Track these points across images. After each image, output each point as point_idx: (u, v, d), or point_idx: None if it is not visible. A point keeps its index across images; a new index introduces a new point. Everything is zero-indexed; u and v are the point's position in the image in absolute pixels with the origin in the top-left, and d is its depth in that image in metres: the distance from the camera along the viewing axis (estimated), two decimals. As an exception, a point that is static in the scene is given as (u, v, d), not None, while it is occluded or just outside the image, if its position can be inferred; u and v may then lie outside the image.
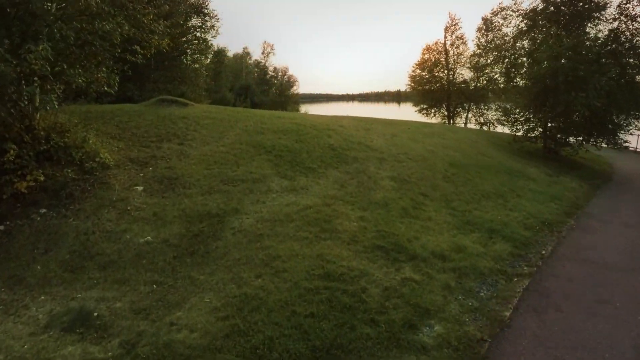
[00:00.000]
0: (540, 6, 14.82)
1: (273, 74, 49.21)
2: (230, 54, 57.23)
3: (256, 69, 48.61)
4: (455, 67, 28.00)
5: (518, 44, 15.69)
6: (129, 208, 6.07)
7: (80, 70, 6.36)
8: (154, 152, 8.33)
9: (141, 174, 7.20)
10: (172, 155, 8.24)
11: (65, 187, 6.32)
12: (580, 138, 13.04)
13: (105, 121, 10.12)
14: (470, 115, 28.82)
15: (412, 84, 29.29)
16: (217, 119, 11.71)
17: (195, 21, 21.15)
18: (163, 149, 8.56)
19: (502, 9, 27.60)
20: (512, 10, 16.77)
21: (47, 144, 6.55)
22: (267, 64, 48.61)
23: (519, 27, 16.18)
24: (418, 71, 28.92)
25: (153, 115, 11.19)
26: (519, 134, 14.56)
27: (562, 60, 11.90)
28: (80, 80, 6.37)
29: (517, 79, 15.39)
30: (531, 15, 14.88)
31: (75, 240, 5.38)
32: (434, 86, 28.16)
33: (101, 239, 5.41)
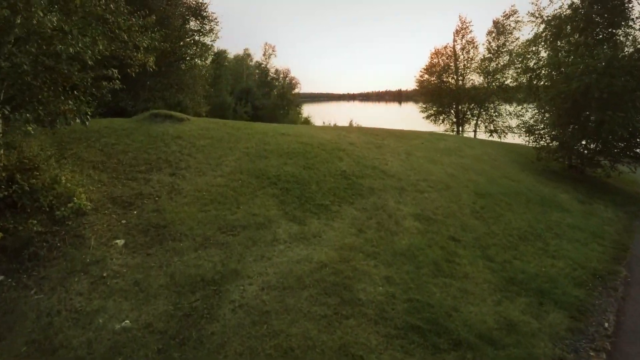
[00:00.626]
0: (567, 12, 13.64)
1: (274, 75, 47.90)
2: (230, 55, 56.04)
3: (257, 70, 47.35)
4: (465, 72, 26.83)
5: (542, 54, 14.50)
6: (104, 275, 4.94)
7: (36, 104, 5.16)
8: (141, 187, 7.19)
9: (123, 221, 6.07)
10: (161, 192, 7.11)
11: (29, 245, 5.19)
12: (614, 159, 11.91)
13: (89, 144, 8.98)
14: (479, 122, 27.66)
15: (420, 89, 28.12)
16: (215, 138, 10.57)
17: (193, 24, 19.94)
18: (152, 183, 7.42)
19: (514, 12, 26.53)
20: (534, 16, 15.57)
21: (8, 189, 5.42)
22: (268, 66, 47.39)
23: (542, 34, 15.00)
24: (426, 76, 27.75)
25: (144, 135, 10.05)
26: (542, 150, 13.41)
27: (594, 75, 10.73)
28: (40, 112, 5.20)
29: (541, 91, 14.22)
30: (556, 23, 13.70)
31: (36, 325, 4.26)
32: (443, 92, 26.98)
33: (68, 323, 4.28)
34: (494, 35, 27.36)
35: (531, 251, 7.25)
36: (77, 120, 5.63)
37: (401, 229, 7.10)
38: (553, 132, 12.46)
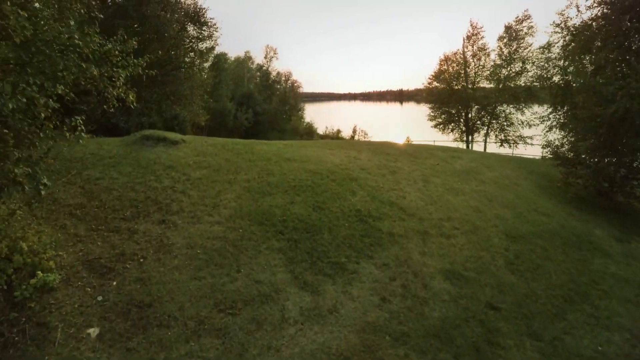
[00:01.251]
0: (598, 22, 12.50)
1: (276, 78, 46.70)
2: (231, 57, 54.93)
3: (258, 73, 46.12)
4: (476, 80, 25.66)
5: (570, 68, 13.40)
6: (68, 390, 3.88)
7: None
8: (124, 243, 6.12)
9: (99, 297, 5.00)
10: (148, 250, 6.03)
11: (-24, 342, 4.12)
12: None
13: (69, 180, 7.91)
14: (490, 131, 26.54)
15: (428, 96, 26.96)
16: (212, 167, 9.50)
17: (191, 31, 18.79)
18: (137, 236, 6.35)
19: (527, 17, 25.36)
20: (560, 27, 14.45)
21: (-47, 266, 4.35)
22: (269, 69, 46.09)
23: (567, 46, 13.89)
24: (435, 84, 26.58)
25: (132, 165, 8.98)
26: (570, 175, 12.32)
27: (636, 100, 9.62)
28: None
29: (568, 111, 13.12)
30: (587, 35, 12.57)
31: None
32: (452, 100, 25.85)
33: None
34: (505, 40, 26.22)
35: (581, 320, 6.19)
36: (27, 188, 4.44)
37: (431, 294, 6.04)
38: (586, 159, 11.36)
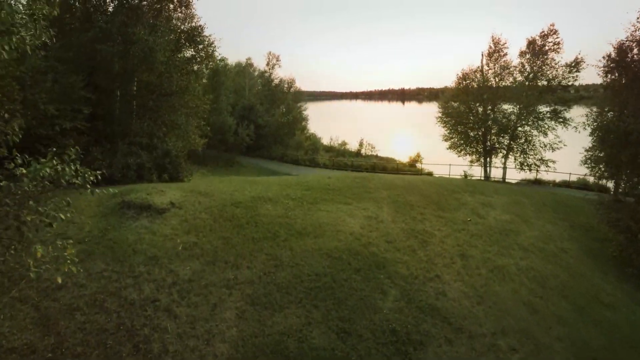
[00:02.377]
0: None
1: (278, 83, 44.55)
2: (230, 62, 52.76)
3: (260, 80, 43.89)
4: (497, 102, 23.62)
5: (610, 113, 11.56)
6: None
7: None
8: None
9: None
10: None
11: None
12: None
13: (21, 293, 6.10)
14: (510, 154, 24.60)
15: (444, 117, 24.96)
16: (206, 256, 7.68)
17: (186, 52, 16.82)
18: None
19: (553, 32, 23.35)
20: (602, 70, 12.56)
21: None
22: (272, 76, 43.79)
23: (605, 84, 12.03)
24: (452, 103, 24.53)
25: (106, 258, 7.17)
26: (631, 247, 10.48)
27: None
28: None
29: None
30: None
31: None
32: (471, 122, 23.85)
33: None
34: (527, 56, 24.20)
35: None
36: None
37: None
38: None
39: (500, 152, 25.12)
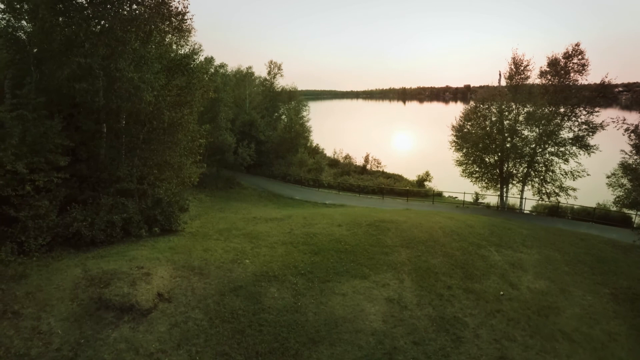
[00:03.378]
0: None
1: (279, 91, 42.79)
2: (230, 67, 51.09)
3: (262, 88, 42.00)
4: (519, 127, 21.88)
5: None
6: None
7: None
8: None
9: None
10: None
11: None
12: None
13: None
14: (527, 181, 23.02)
15: (457, 140, 23.32)
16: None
17: (178, 81, 15.13)
18: None
19: (579, 52, 21.65)
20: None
21: None
22: (273, 85, 41.89)
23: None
24: (468, 126, 22.74)
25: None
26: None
27: None
28: None
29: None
30: None
31: None
32: (489, 149, 22.17)
33: None
34: (549, 77, 22.53)
35: None
36: None
37: None
38: None
39: (518, 179, 23.54)
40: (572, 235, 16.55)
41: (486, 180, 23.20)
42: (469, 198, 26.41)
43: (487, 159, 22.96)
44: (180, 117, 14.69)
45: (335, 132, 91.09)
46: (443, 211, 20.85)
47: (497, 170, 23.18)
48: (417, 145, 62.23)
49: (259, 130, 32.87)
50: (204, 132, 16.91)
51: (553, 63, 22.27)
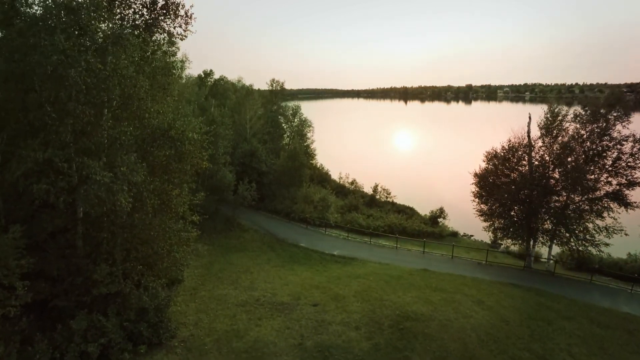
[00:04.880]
0: None
1: (282, 112, 40.37)
2: (231, 78, 48.58)
3: (262, 110, 39.38)
4: (554, 186, 19.58)
5: None
6: None
7: None
8: None
9: None
10: None
11: None
12: None
13: None
14: (555, 238, 20.92)
15: (481, 191, 21.09)
16: None
17: (168, 149, 12.80)
18: None
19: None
20: None
21: None
22: (275, 107, 39.27)
23: None
24: (493, 177, 20.37)
25: None
26: None
27: None
28: None
29: None
30: None
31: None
32: (518, 207, 19.99)
33: None
34: (583, 119, 20.27)
35: None
36: None
37: None
38: None
39: (546, 237, 21.34)
40: (619, 326, 14.47)
41: (512, 236, 21.07)
42: (484, 234, 24.48)
43: (513, 213, 20.78)
44: (167, 200, 12.41)
45: (338, 136, 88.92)
46: (467, 276, 18.74)
47: (525, 224, 21.00)
48: (426, 157, 59.86)
49: (261, 161, 30.58)
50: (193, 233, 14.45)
51: (592, 112, 19.98)
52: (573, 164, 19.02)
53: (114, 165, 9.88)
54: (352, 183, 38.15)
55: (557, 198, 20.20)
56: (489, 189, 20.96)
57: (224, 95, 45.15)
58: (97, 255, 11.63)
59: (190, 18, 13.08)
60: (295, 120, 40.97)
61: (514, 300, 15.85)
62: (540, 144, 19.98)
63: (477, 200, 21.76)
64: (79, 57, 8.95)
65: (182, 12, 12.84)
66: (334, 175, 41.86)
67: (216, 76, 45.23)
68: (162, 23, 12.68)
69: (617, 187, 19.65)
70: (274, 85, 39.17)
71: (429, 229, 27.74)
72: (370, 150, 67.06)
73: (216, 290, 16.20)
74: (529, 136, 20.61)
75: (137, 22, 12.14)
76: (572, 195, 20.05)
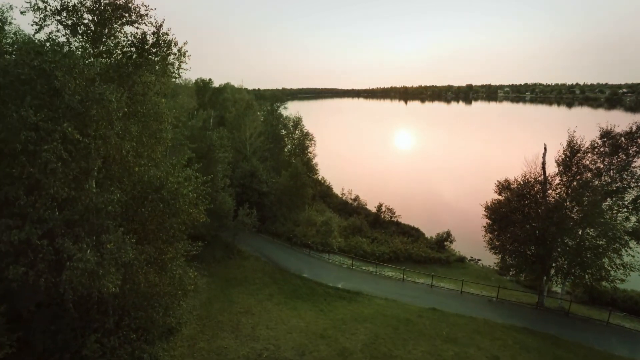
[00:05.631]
0: None
1: (283, 128, 39.24)
2: (234, 84, 47.30)
3: (263, 126, 37.93)
4: (573, 223, 18.67)
5: None
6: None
7: None
8: None
9: None
10: None
11: None
12: None
13: None
14: (570, 275, 20.07)
15: (492, 225, 20.19)
16: None
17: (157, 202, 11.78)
18: None
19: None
20: None
21: None
22: (275, 117, 38.18)
23: None
24: (504, 209, 19.36)
25: None
26: None
27: None
28: None
29: None
30: None
31: None
32: (530, 238, 19.16)
33: None
34: (602, 150, 19.32)
35: None
36: None
37: None
38: None
39: (561, 275, 20.44)
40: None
41: (528, 273, 20.22)
42: (491, 256, 23.61)
43: (528, 252, 19.89)
44: (162, 264, 11.43)
45: (338, 140, 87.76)
46: (478, 318, 17.90)
47: (538, 263, 20.09)
48: (430, 164, 58.79)
49: (261, 181, 29.56)
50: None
51: (611, 137, 19.10)
52: (591, 199, 18.13)
53: (100, 241, 8.88)
54: (355, 199, 37.22)
55: (572, 234, 19.33)
56: (501, 224, 20.05)
57: (223, 105, 44.06)
58: (87, 324, 10.69)
59: (184, 55, 12.00)
60: (297, 132, 39.90)
61: (530, 354, 15.00)
62: (557, 180, 19.00)
63: (487, 234, 20.88)
64: (53, 128, 7.92)
65: (175, 50, 11.74)
66: (336, 189, 40.93)
67: (217, 80, 44.06)
68: (154, 63, 11.59)
69: (637, 224, 18.87)
70: (276, 106, 37.89)
71: (435, 255, 26.88)
72: (372, 159, 65.88)
73: (216, 341, 15.28)
74: (544, 170, 19.67)
75: (124, 62, 11.03)
76: (589, 231, 19.20)
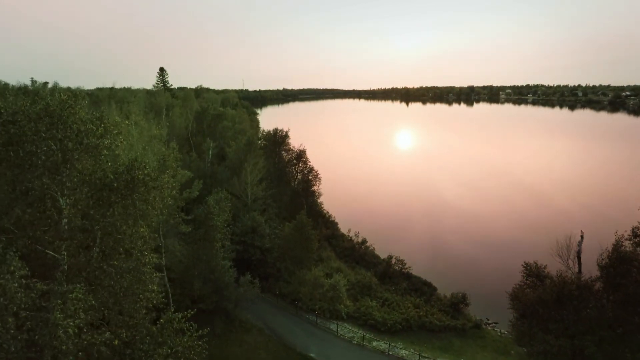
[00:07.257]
0: None
1: (287, 161, 37.02)
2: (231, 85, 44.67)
3: (265, 162, 35.69)
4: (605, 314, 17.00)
5: None
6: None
7: None
8: None
9: None
10: None
11: None
12: None
13: None
14: None
15: (515, 314, 18.38)
16: None
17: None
18: None
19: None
20: None
21: None
22: (278, 154, 35.89)
23: None
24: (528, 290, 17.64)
25: None
26: None
27: None
28: None
29: None
30: None
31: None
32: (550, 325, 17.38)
33: None
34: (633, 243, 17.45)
35: None
36: None
37: None
38: None
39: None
40: None
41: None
42: (506, 317, 21.71)
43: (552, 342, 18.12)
44: None
45: (338, 148, 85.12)
46: None
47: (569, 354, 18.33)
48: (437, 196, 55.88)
49: (263, 236, 27.52)
50: None
51: (621, 257, 17.04)
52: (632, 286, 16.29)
53: None
54: (362, 243, 35.31)
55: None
56: (531, 322, 18.20)
57: (223, 134, 41.74)
58: None
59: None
60: (300, 165, 37.72)
61: None
62: (599, 285, 17.11)
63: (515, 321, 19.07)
64: None
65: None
66: (343, 228, 38.88)
67: (217, 82, 41.72)
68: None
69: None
70: (278, 137, 35.62)
71: (450, 323, 25.07)
72: (378, 186, 62.40)
73: None
74: (579, 261, 17.82)
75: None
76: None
